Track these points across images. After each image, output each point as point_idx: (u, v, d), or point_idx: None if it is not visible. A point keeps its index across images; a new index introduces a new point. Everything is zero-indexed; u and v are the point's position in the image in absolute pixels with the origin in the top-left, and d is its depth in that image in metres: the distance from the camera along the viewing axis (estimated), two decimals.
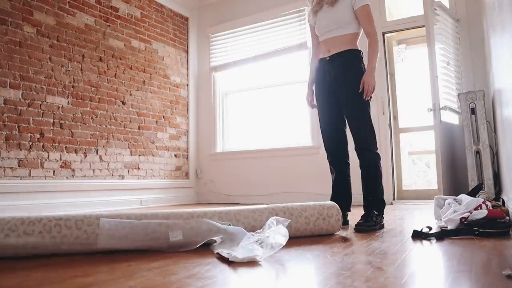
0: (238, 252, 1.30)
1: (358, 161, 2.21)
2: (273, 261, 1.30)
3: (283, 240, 1.37)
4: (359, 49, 2.25)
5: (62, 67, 3.63)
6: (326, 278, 1.06)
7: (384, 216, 2.17)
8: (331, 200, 2.28)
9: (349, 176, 2.33)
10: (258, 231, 1.49)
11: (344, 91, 2.20)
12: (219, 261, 1.29)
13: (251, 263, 1.25)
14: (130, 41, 4.34)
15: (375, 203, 2.14)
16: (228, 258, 1.27)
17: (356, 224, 2.00)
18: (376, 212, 2.09)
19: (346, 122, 2.27)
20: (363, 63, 2.24)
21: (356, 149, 2.20)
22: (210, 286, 1.01)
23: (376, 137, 2.23)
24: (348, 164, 2.33)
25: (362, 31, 2.26)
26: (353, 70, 2.19)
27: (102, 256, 1.41)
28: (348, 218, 2.25)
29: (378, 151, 2.21)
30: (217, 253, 1.32)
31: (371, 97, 2.19)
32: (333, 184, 2.33)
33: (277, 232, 1.39)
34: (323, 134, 2.35)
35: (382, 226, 2.09)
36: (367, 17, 2.18)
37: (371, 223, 2.00)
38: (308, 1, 2.40)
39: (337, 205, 1.91)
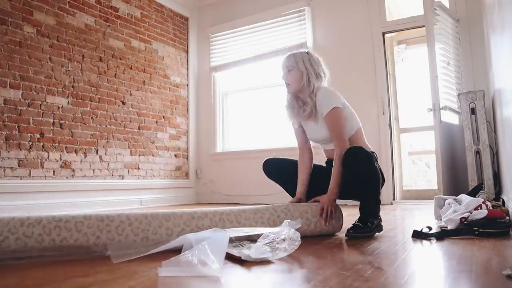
0: (251, 252, 1.30)
1: None
2: (273, 261, 1.30)
3: (296, 244, 1.38)
4: (369, 149, 1.89)
5: (62, 67, 3.63)
6: (326, 278, 1.06)
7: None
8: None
9: None
10: (272, 230, 1.48)
11: None
12: (230, 261, 1.28)
13: (259, 263, 1.25)
14: (130, 41, 4.34)
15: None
16: (240, 257, 1.28)
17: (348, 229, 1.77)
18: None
19: None
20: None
21: None
22: (210, 286, 1.01)
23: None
24: None
25: (357, 126, 1.95)
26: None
27: (102, 256, 1.41)
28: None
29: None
30: (227, 253, 1.32)
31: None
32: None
33: (290, 236, 1.41)
34: None
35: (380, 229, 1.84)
36: (331, 124, 1.82)
37: (366, 229, 1.76)
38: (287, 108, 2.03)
39: (339, 206, 1.88)
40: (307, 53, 1.94)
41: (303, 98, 1.92)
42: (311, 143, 2.12)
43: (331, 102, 1.82)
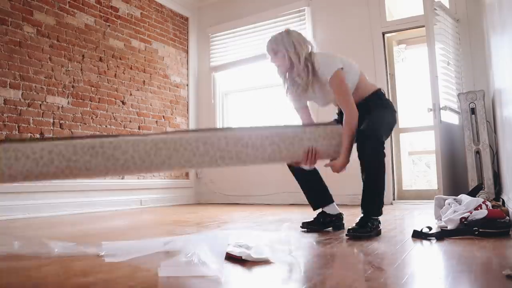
0: (252, 252, 1.31)
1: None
2: (273, 261, 1.30)
3: (296, 246, 1.41)
4: (375, 88, 2.00)
5: (62, 67, 3.63)
6: (326, 278, 1.06)
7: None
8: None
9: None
10: (275, 235, 1.50)
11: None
12: (230, 261, 1.28)
13: (260, 263, 1.26)
14: (130, 41, 4.34)
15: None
16: (241, 257, 1.28)
17: (349, 229, 1.78)
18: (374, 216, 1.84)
19: None
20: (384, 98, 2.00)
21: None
22: (210, 286, 1.01)
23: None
24: None
25: (357, 75, 1.97)
26: (377, 105, 1.95)
27: (103, 256, 1.41)
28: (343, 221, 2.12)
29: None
30: (228, 253, 1.33)
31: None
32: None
33: (291, 237, 1.42)
34: None
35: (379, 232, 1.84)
36: (337, 88, 1.86)
37: (367, 229, 1.77)
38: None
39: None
40: (287, 32, 2.00)
41: (298, 73, 1.93)
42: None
43: (331, 66, 1.86)
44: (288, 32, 1.99)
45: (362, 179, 1.85)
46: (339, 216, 2.10)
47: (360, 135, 1.82)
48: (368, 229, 1.76)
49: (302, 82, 1.92)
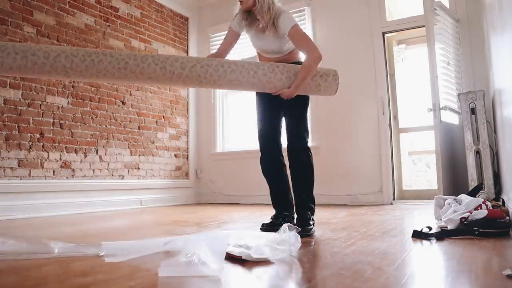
0: (252, 252, 1.31)
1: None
2: (273, 261, 1.30)
3: (297, 245, 1.41)
4: (301, 60, 2.19)
5: None
6: (326, 278, 1.06)
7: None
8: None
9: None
10: (275, 235, 1.49)
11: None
12: (230, 261, 1.28)
13: (260, 263, 1.26)
14: (130, 41, 4.34)
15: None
16: (241, 257, 1.28)
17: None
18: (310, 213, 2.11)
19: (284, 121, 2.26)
20: None
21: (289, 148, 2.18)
22: (210, 286, 1.01)
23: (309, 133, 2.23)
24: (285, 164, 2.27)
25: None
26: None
27: (102, 256, 1.41)
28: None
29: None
30: (228, 253, 1.33)
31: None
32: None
33: (290, 237, 1.42)
34: (261, 134, 2.26)
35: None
36: (300, 37, 2.05)
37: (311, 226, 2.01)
38: (238, 14, 2.28)
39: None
40: None
41: (257, 14, 2.11)
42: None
43: (291, 20, 2.07)
44: None
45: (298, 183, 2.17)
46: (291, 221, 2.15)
47: (292, 151, 2.17)
48: (311, 226, 2.02)
49: (263, 22, 2.11)
